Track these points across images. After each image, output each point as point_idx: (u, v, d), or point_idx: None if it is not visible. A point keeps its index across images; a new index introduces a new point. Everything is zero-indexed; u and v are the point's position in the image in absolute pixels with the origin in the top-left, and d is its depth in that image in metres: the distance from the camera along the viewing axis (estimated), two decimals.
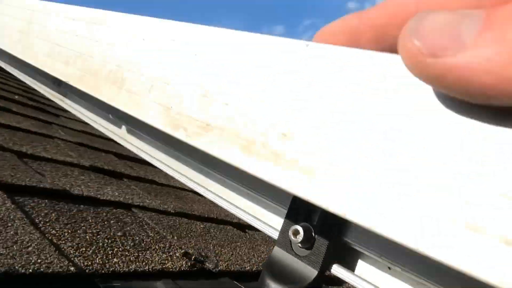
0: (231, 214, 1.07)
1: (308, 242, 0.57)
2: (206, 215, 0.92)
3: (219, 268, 0.65)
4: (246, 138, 0.32)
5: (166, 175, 1.25)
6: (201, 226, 0.83)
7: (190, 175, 0.83)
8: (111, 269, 0.52)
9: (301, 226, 0.57)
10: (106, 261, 0.53)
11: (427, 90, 0.24)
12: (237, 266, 0.69)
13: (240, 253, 0.76)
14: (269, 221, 0.68)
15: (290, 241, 0.60)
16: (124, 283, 0.51)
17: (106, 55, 0.47)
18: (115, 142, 1.52)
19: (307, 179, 0.28)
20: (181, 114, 0.37)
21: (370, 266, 0.58)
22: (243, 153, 0.32)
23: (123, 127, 1.08)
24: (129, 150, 1.41)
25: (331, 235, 0.57)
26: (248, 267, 0.70)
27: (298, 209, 0.61)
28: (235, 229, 0.90)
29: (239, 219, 1.02)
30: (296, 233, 0.58)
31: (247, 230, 0.94)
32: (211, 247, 0.72)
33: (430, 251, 0.22)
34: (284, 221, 0.61)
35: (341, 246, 0.59)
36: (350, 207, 0.25)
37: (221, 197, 0.73)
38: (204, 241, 0.74)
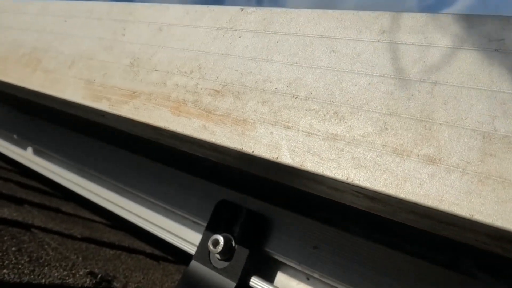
0: (144, 245, 1.00)
1: (228, 252, 0.56)
2: (117, 243, 0.85)
3: None
4: (177, 99, 0.32)
5: (74, 206, 1.15)
6: (111, 252, 0.77)
7: (104, 194, 0.78)
8: None
9: (222, 236, 0.56)
10: None
11: None
12: None
13: (152, 278, 0.70)
14: (187, 237, 0.66)
15: (209, 253, 0.58)
16: None
17: (18, 40, 0.45)
18: (17, 172, 1.38)
19: (241, 130, 0.28)
20: (104, 85, 0.36)
21: (289, 277, 0.58)
22: (172, 114, 0.32)
23: (29, 148, 0.99)
24: (33, 181, 1.29)
25: (252, 244, 0.56)
26: None
27: (219, 220, 0.59)
28: (148, 258, 0.85)
29: (153, 250, 0.96)
30: (216, 243, 0.56)
31: (161, 261, 0.88)
32: (121, 270, 0.67)
33: None
34: (204, 232, 0.59)
35: (262, 257, 0.59)
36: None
37: (135, 214, 0.69)
38: (113, 265, 0.68)
